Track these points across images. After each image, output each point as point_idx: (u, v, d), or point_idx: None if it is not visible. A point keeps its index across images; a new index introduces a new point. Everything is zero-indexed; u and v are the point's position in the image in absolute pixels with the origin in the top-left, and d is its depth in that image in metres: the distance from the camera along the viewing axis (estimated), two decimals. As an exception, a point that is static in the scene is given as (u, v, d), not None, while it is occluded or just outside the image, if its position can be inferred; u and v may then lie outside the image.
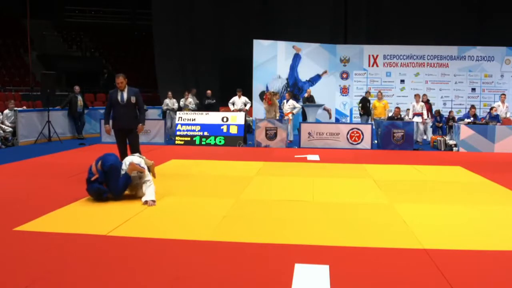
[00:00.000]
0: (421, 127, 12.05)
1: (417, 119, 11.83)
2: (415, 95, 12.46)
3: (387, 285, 2.94)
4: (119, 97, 6.22)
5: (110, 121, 6.38)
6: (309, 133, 10.96)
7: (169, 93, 13.49)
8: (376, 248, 3.60)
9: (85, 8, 24.44)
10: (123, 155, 6.14)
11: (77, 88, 12.68)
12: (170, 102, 13.35)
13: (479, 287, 2.94)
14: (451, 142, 10.71)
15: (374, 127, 11.42)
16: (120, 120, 6.25)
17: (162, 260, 3.32)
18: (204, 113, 11.65)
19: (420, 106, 12.04)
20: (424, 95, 12.66)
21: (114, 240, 3.75)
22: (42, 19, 21.44)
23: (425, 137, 12.26)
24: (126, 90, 6.29)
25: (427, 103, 12.40)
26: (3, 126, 10.78)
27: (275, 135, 10.87)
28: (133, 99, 6.23)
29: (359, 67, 15.80)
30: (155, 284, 2.91)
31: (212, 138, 11.11)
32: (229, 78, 15.97)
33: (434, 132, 12.51)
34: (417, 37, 15.43)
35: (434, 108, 13.54)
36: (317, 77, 15.66)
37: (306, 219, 4.46)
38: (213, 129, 11.18)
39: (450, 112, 13.16)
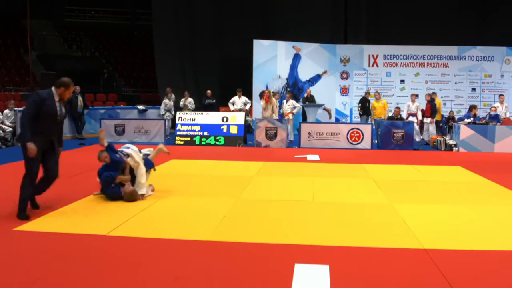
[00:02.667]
0: (416, 127, 12.00)
1: (411, 119, 11.80)
2: (411, 95, 12.45)
3: (387, 285, 2.94)
4: (57, 109, 4.65)
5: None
6: (309, 133, 10.96)
7: (168, 88, 13.34)
8: (376, 248, 3.60)
9: (85, 8, 24.43)
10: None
11: (77, 88, 12.67)
12: (169, 104, 13.20)
13: (479, 287, 2.94)
14: (451, 142, 10.71)
15: (374, 127, 11.41)
16: (47, 138, 4.71)
17: (162, 260, 3.32)
18: (204, 113, 11.65)
19: (415, 107, 12.04)
20: (428, 94, 12.60)
21: (114, 240, 3.75)
22: (42, 19, 21.43)
23: (421, 137, 12.24)
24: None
25: (430, 103, 12.28)
26: (3, 126, 10.78)
27: (275, 135, 10.87)
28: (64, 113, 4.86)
29: (359, 67, 15.80)
30: (155, 284, 2.91)
31: (212, 138, 11.11)
32: (229, 78, 15.96)
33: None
34: (417, 37, 15.42)
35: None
36: (317, 77, 15.66)
37: (306, 219, 4.46)
38: (213, 129, 11.18)
39: (450, 112, 13.15)
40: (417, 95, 12.79)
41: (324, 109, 14.92)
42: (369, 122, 12.18)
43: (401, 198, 5.39)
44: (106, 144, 5.38)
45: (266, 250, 3.56)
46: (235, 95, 12.67)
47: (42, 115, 4.50)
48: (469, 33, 15.68)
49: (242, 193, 5.59)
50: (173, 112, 13.08)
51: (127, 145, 5.60)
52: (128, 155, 5.26)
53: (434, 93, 12.74)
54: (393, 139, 10.66)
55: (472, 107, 12.30)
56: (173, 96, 13.34)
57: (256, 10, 16.80)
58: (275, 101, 11.60)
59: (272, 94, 11.74)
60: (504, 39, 15.16)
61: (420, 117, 12.02)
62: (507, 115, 11.42)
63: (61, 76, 5.03)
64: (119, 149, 5.36)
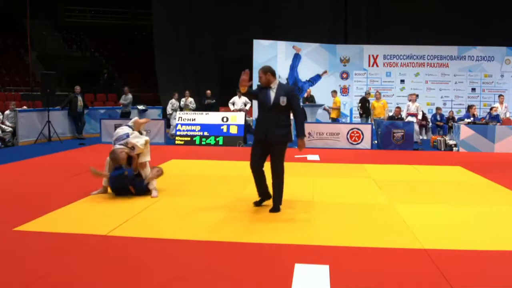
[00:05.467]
0: (416, 127, 12.00)
1: (411, 119, 11.79)
2: (411, 95, 12.46)
3: (387, 285, 2.94)
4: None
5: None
6: (309, 133, 10.95)
7: (176, 94, 13.33)
8: (376, 248, 3.60)
9: (85, 8, 24.44)
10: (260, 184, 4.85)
11: (77, 88, 12.69)
12: (176, 103, 13.21)
13: (479, 287, 2.94)
14: (451, 142, 10.71)
15: (374, 127, 11.41)
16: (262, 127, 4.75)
17: (162, 260, 3.32)
18: (204, 113, 11.65)
19: (414, 107, 12.04)
20: (411, 95, 12.73)
21: (114, 240, 3.75)
22: (42, 19, 21.44)
23: (420, 137, 12.24)
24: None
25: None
26: (3, 126, 10.79)
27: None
28: (283, 100, 4.62)
29: (359, 67, 15.79)
30: (155, 284, 2.91)
31: (212, 138, 11.11)
32: (229, 78, 15.88)
33: (433, 132, 12.52)
34: (417, 37, 15.41)
35: (434, 108, 13.60)
36: (317, 77, 15.66)
37: (306, 219, 4.46)
38: (213, 129, 11.18)
39: (450, 112, 13.16)
40: (417, 95, 12.79)
41: (324, 109, 14.89)
42: (369, 122, 12.17)
43: (401, 198, 5.39)
44: (107, 173, 5.27)
45: (266, 250, 3.56)
46: (235, 95, 12.66)
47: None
48: (469, 33, 15.67)
49: (242, 193, 5.59)
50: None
51: (121, 131, 5.42)
52: (133, 147, 5.25)
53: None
54: (393, 139, 10.66)
55: (469, 107, 12.32)
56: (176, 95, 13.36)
57: (256, 10, 16.80)
58: None
59: None
60: (504, 39, 15.15)
61: (420, 117, 12.01)
62: (507, 115, 11.42)
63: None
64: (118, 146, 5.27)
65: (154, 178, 5.38)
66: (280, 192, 4.70)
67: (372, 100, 12.68)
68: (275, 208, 4.68)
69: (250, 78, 4.67)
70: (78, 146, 10.71)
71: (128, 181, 5.18)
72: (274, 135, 4.66)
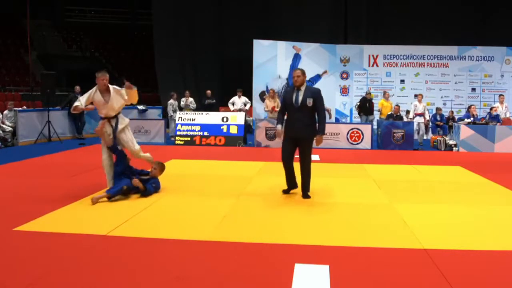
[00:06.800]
0: (423, 127, 11.93)
1: (419, 119, 11.77)
2: (417, 95, 12.46)
3: (387, 285, 2.94)
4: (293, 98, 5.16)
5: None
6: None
7: (174, 94, 13.28)
8: (376, 248, 3.60)
9: (85, 8, 24.46)
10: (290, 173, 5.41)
11: (77, 88, 12.68)
12: (175, 104, 13.20)
13: (479, 287, 2.94)
14: (451, 142, 10.71)
15: (376, 126, 11.38)
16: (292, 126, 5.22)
17: (162, 260, 3.32)
18: (204, 113, 11.65)
19: (422, 106, 12.01)
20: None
21: (114, 240, 3.75)
22: (42, 19, 21.46)
23: (425, 137, 12.21)
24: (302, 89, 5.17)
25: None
26: (3, 126, 10.79)
27: (275, 135, 10.84)
28: (309, 101, 5.10)
29: (359, 67, 15.80)
30: (155, 284, 2.91)
31: (212, 138, 11.12)
32: (229, 78, 15.95)
33: (433, 132, 12.51)
34: (417, 37, 15.43)
35: (434, 107, 13.58)
36: (317, 77, 15.65)
37: (306, 219, 4.46)
38: (213, 129, 11.18)
39: (450, 112, 13.16)
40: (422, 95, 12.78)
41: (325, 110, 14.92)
42: (369, 122, 12.14)
43: (401, 198, 5.39)
44: (106, 194, 5.13)
45: (266, 250, 3.56)
46: (235, 95, 12.66)
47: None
48: (469, 33, 15.68)
49: (242, 193, 5.59)
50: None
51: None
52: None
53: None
54: (393, 139, 10.66)
55: (469, 107, 12.33)
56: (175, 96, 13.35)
57: (256, 10, 16.81)
58: (278, 102, 11.59)
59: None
60: (504, 39, 15.16)
61: (427, 117, 11.99)
62: (507, 115, 11.42)
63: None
64: None
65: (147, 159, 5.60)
66: (308, 181, 5.32)
67: (380, 100, 12.68)
68: (306, 196, 5.30)
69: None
70: (78, 146, 10.71)
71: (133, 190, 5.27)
72: (302, 132, 5.17)
